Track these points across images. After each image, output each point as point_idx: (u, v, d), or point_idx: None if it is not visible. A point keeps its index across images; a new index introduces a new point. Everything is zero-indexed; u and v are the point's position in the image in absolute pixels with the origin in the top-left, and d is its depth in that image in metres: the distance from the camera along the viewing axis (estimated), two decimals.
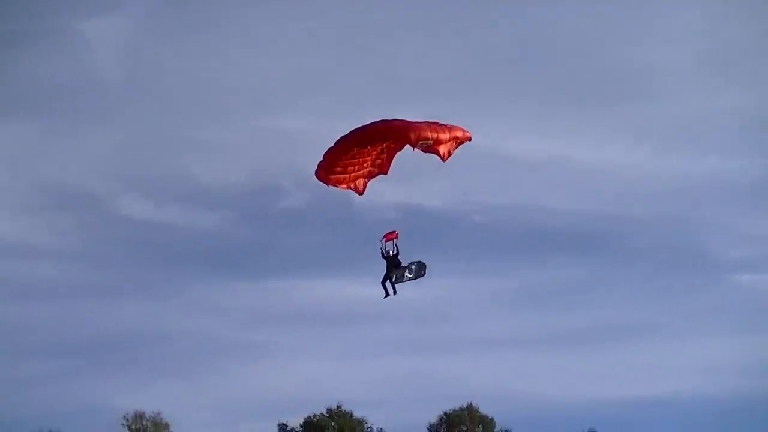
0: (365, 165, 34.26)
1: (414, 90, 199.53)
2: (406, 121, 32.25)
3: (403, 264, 35.37)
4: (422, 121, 32.63)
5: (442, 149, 33.16)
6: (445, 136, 32.63)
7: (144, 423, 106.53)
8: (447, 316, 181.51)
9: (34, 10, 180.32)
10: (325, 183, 33.70)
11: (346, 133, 32.50)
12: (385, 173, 35.12)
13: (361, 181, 34.56)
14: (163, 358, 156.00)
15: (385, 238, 35.07)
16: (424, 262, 35.75)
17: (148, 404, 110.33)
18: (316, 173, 33.53)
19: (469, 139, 33.97)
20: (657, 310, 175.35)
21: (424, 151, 32.77)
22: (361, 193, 34.75)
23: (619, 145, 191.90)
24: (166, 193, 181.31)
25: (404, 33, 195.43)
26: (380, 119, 32.45)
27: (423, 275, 35.75)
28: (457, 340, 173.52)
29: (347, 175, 33.88)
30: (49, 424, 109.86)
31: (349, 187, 34.42)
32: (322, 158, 33.29)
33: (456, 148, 33.84)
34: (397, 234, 35.06)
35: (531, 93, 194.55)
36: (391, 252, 35.13)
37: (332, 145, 32.84)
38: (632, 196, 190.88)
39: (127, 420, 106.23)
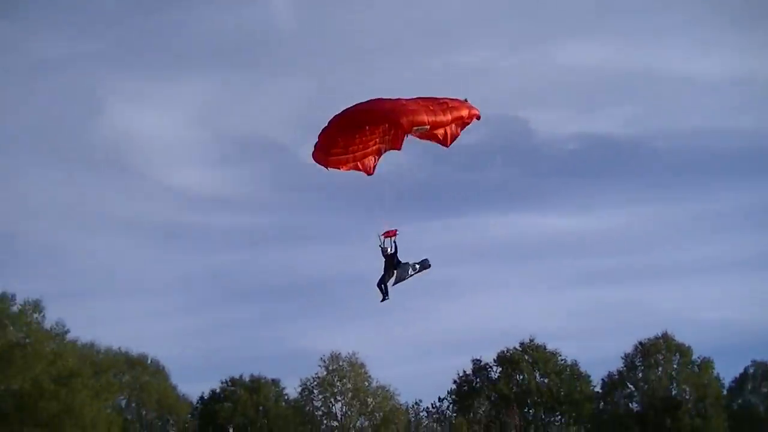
0: (371, 143, 29.90)
1: (590, 14, 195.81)
2: (399, 102, 27.89)
3: (403, 262, 30.97)
4: (420, 98, 28.28)
5: (443, 134, 28.88)
6: (446, 117, 28.17)
7: (341, 363, 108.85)
8: (637, 245, 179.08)
9: None
10: (323, 165, 29.77)
11: (338, 112, 28.59)
12: (398, 149, 30.35)
13: (369, 159, 30.27)
14: (357, 300, 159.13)
15: (384, 235, 30.81)
16: (427, 259, 31.45)
17: (344, 345, 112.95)
18: (313, 155, 29.64)
19: (478, 118, 29.09)
20: None
21: (421, 137, 28.71)
22: (370, 173, 30.40)
23: None
24: None
25: None
26: (374, 98, 28.25)
27: (428, 267, 31.43)
28: (649, 268, 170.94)
29: (350, 155, 29.73)
30: (250, 367, 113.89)
31: (356, 168, 30.08)
32: (317, 139, 29.47)
33: (462, 129, 29.23)
34: (396, 231, 30.76)
35: (708, 12, 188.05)
36: (389, 250, 30.88)
37: (326, 125, 29.09)
38: None
39: (324, 361, 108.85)
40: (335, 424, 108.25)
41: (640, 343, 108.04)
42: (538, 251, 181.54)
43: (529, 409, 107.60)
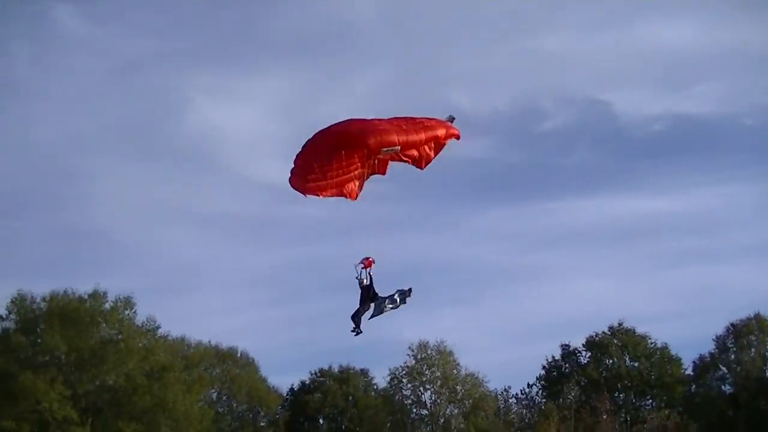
0: (352, 168, 27.30)
1: None
2: (369, 122, 26.14)
3: (381, 296, 28.90)
4: (395, 118, 26.56)
5: (417, 154, 27.01)
6: (419, 137, 26.31)
7: (429, 352, 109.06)
8: (725, 224, 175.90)
9: None
10: (301, 192, 27.36)
11: (310, 136, 26.83)
12: (383, 174, 28.18)
13: (352, 185, 27.61)
14: (444, 288, 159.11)
15: (363, 265, 28.76)
16: (409, 289, 29.44)
17: (432, 334, 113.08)
18: (290, 180, 27.44)
19: (457, 137, 27.25)
20: None
21: (392, 159, 26.91)
22: (353, 199, 27.84)
23: None
24: None
25: None
26: (346, 119, 26.53)
27: (405, 303, 29.34)
28: (739, 248, 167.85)
29: (329, 181, 27.08)
30: (339, 357, 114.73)
31: (337, 194, 27.54)
32: (293, 163, 27.45)
33: (439, 149, 27.31)
34: (372, 261, 28.75)
35: None
36: (365, 281, 28.85)
37: (300, 149, 27.13)
38: None
39: (413, 350, 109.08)
40: (425, 412, 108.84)
41: (732, 324, 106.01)
42: (626, 234, 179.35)
43: (619, 394, 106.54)
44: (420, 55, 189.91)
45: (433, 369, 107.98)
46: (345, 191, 27.57)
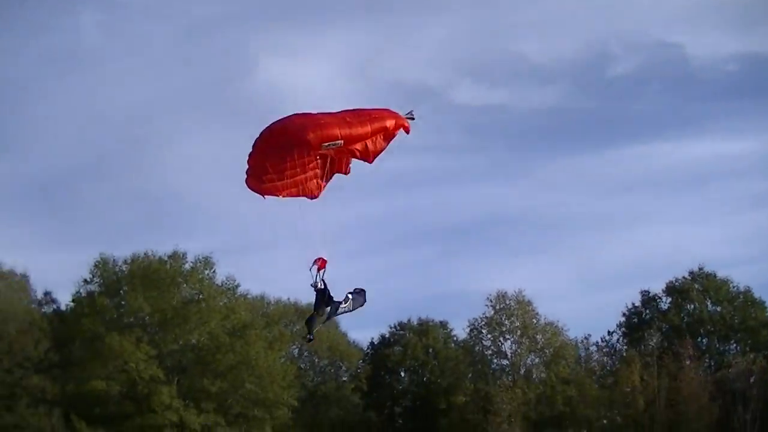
0: (309, 167, 25.81)
1: None
2: (309, 117, 24.70)
3: (335, 300, 26.93)
4: (340, 111, 25.01)
5: (363, 148, 25.31)
6: (364, 129, 24.65)
7: (507, 302, 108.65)
8: None
9: None
10: (259, 193, 26.16)
11: (258, 134, 25.36)
12: (345, 173, 26.62)
13: (312, 183, 26.09)
14: (521, 237, 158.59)
15: (319, 265, 26.80)
16: (362, 289, 27.69)
17: (510, 283, 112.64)
18: (246, 182, 26.17)
19: (407, 130, 25.53)
20: None
21: (337, 156, 25.38)
22: (314, 197, 26.37)
23: None
24: (498, 76, 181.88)
25: None
26: (289, 115, 24.98)
27: (362, 305, 27.61)
28: None
29: (286, 181, 25.67)
30: (417, 310, 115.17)
31: (297, 193, 26.15)
32: (247, 164, 26.08)
33: (388, 141, 25.55)
34: (325, 263, 26.74)
35: None
36: (319, 284, 26.99)
37: (251, 148, 25.79)
38: None
39: (491, 301, 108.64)
40: (505, 362, 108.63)
41: None
42: (703, 177, 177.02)
43: (702, 339, 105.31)
44: (485, 5, 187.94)
45: (513, 319, 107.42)
46: (306, 190, 26.22)
